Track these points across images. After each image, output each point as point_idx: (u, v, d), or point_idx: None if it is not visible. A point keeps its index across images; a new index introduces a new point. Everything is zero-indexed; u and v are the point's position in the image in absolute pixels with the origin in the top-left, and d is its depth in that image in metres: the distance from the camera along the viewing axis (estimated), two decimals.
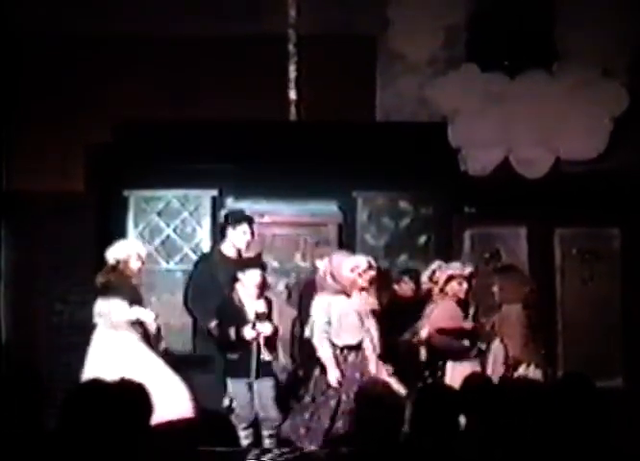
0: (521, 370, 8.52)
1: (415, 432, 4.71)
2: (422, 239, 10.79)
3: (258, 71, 10.67)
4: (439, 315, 8.64)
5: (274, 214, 10.71)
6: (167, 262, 10.69)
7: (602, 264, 10.64)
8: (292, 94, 10.98)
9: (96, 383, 4.83)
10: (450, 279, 8.70)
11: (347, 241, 10.74)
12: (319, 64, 10.85)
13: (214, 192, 10.77)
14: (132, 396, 4.58)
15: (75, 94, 10.66)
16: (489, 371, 8.49)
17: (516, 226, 10.69)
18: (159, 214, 10.80)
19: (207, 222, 10.78)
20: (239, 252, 9.02)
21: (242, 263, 8.75)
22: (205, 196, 10.79)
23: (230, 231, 9.05)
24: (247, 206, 10.71)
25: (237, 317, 8.48)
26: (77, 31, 10.59)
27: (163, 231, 10.78)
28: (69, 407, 4.57)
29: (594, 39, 10.40)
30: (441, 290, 8.70)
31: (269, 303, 8.66)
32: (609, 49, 10.47)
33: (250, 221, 9.13)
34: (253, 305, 8.53)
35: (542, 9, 10.73)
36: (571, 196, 10.35)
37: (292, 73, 10.97)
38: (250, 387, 8.52)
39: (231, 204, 10.74)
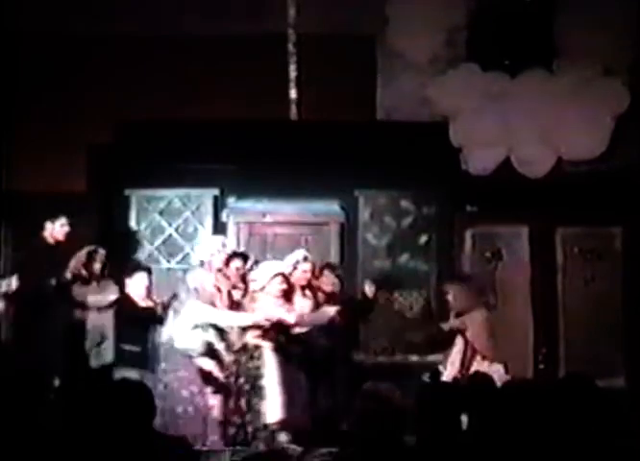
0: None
1: (416, 432, 4.71)
2: (423, 238, 10.78)
3: (258, 71, 10.67)
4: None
5: (276, 213, 10.71)
6: (168, 261, 10.68)
7: (603, 264, 10.63)
8: (293, 93, 10.98)
9: (98, 383, 4.84)
10: (274, 277, 8.72)
11: (348, 240, 10.75)
12: (319, 64, 10.85)
13: (216, 191, 10.77)
14: (133, 396, 4.59)
15: (75, 94, 10.67)
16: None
17: (517, 225, 10.69)
18: (160, 213, 10.80)
19: (208, 221, 10.78)
20: None
21: None
22: (206, 195, 10.79)
23: None
24: (249, 205, 10.74)
25: None
26: (77, 31, 10.59)
27: (165, 231, 10.78)
28: (71, 407, 4.57)
29: (595, 38, 10.37)
30: (262, 288, 8.72)
31: None
32: (610, 48, 10.45)
33: None
34: None
35: (542, 7, 10.72)
36: (572, 195, 10.34)
37: (292, 72, 10.98)
38: None
39: (232, 203, 10.75)
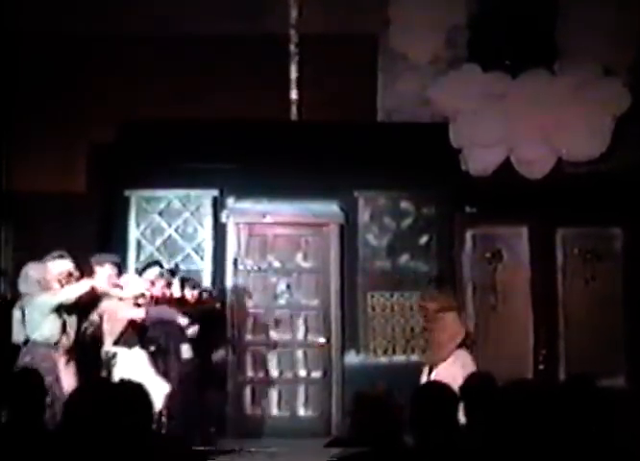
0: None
1: (415, 432, 4.69)
2: (423, 239, 10.78)
3: (259, 71, 10.67)
4: None
5: (275, 214, 10.70)
6: (169, 262, 10.66)
7: (603, 264, 10.63)
8: (293, 94, 10.98)
9: (98, 384, 4.82)
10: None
11: (348, 241, 10.74)
12: (320, 64, 10.85)
13: (216, 192, 10.77)
14: (132, 396, 4.57)
15: (76, 94, 10.66)
16: None
17: (518, 226, 10.69)
18: (160, 214, 10.79)
19: (208, 222, 10.78)
20: None
21: None
22: (206, 196, 10.79)
23: None
24: (248, 205, 10.73)
25: None
26: (77, 31, 10.59)
27: (165, 232, 10.77)
28: (71, 408, 4.56)
29: (596, 39, 10.37)
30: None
31: None
32: (611, 48, 10.45)
33: None
34: None
35: (543, 8, 10.71)
36: (572, 196, 10.34)
37: (293, 73, 10.98)
38: None
39: (232, 204, 10.74)
